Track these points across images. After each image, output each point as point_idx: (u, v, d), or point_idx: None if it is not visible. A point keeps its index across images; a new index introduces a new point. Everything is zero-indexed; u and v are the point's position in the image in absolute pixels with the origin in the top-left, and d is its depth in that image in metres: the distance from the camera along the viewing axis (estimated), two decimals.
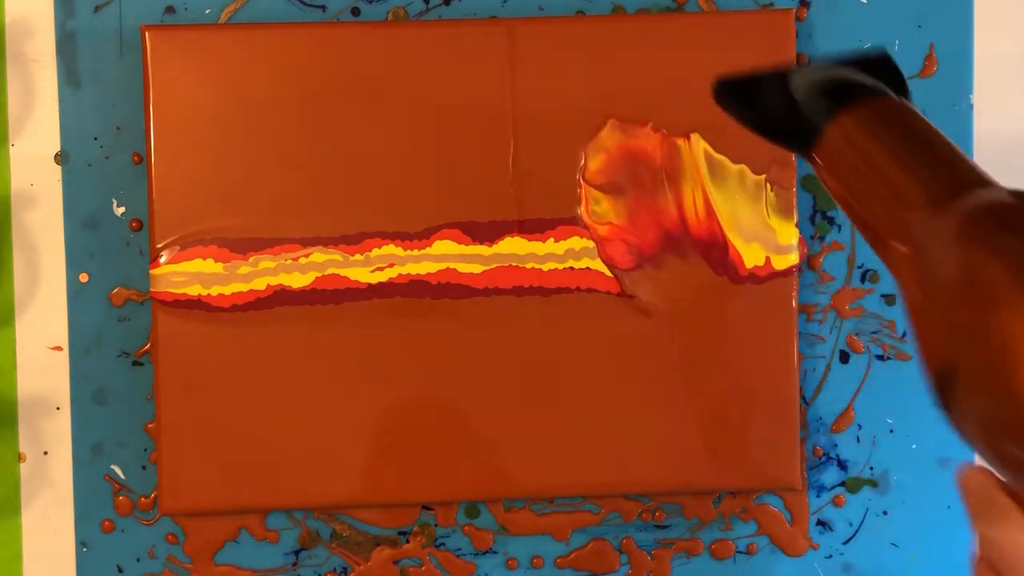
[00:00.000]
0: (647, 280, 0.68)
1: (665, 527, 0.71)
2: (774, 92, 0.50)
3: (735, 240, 0.68)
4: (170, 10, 0.68)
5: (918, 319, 0.40)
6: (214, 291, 0.66)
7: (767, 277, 0.68)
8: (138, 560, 0.69)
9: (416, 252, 0.67)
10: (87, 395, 0.69)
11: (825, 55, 0.50)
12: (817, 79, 0.49)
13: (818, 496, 0.71)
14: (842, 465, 0.71)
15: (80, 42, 0.68)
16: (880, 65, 0.49)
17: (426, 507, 0.70)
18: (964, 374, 0.38)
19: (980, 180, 0.42)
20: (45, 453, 0.69)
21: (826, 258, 0.71)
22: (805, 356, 0.71)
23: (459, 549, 0.70)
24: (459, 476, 0.68)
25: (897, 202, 0.44)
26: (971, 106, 0.71)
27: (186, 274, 0.66)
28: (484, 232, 0.67)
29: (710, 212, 0.68)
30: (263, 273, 0.67)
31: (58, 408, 0.69)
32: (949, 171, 0.43)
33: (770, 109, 0.50)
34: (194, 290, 0.66)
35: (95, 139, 0.68)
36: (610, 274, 0.68)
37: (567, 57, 0.67)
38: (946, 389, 0.39)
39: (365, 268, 0.67)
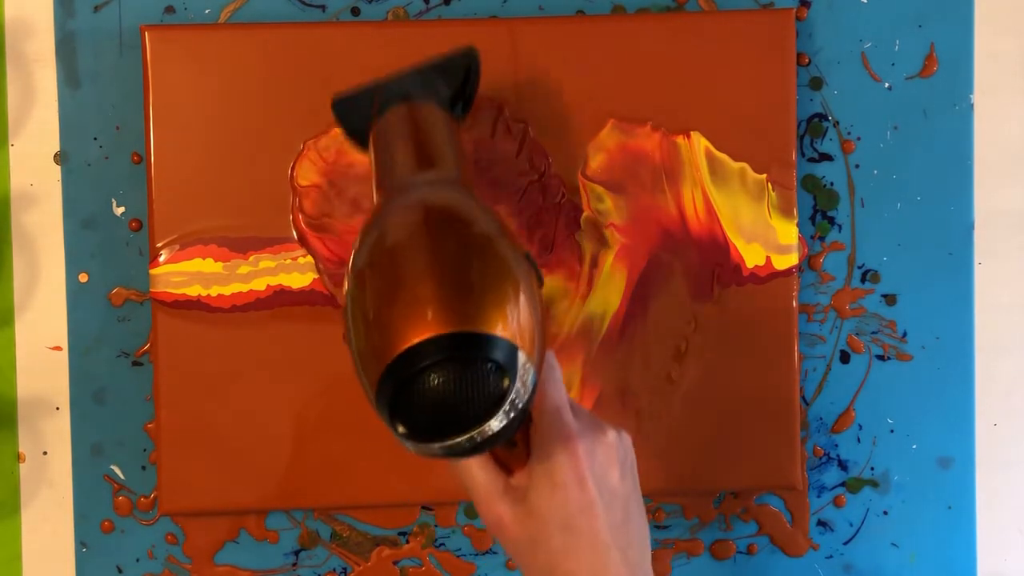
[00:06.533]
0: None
1: (665, 527, 0.71)
2: (364, 102, 0.60)
3: (736, 240, 0.68)
4: (170, 10, 0.68)
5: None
6: (214, 291, 0.66)
7: (768, 277, 0.68)
8: (138, 560, 0.69)
9: None
10: (87, 395, 0.69)
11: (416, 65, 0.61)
12: (383, 91, 0.59)
13: (818, 496, 0.71)
14: (842, 465, 0.71)
15: (80, 42, 0.68)
16: (461, 59, 0.60)
17: (426, 507, 0.70)
18: (349, 304, 0.47)
19: (431, 165, 0.54)
20: (45, 453, 0.69)
21: (826, 258, 0.71)
22: (805, 356, 0.71)
23: (459, 549, 0.70)
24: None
25: (388, 171, 0.55)
26: (971, 106, 0.71)
27: (186, 274, 0.66)
28: None
29: (711, 212, 0.68)
30: (263, 273, 0.67)
31: (57, 408, 0.69)
32: (399, 166, 0.55)
33: (357, 117, 0.60)
34: (194, 290, 0.66)
35: (95, 139, 0.68)
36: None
37: (567, 57, 0.67)
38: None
39: None
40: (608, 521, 0.49)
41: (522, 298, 0.45)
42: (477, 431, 0.44)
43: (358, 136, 0.60)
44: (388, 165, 0.55)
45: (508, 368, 0.43)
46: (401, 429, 0.44)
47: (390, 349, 0.43)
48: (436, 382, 0.43)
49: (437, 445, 0.44)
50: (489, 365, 0.43)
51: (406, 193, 0.51)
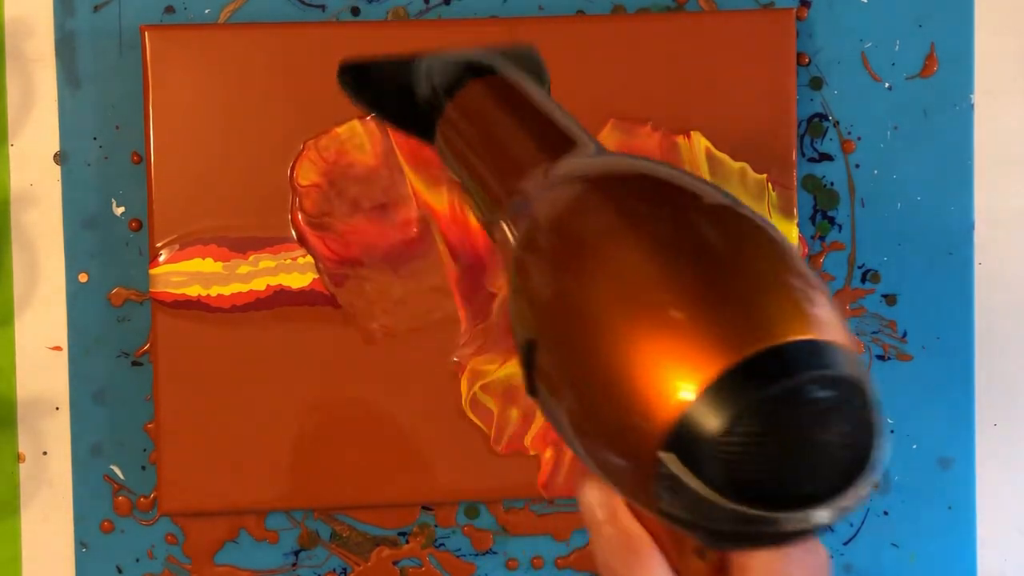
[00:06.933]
0: None
1: None
2: (401, 77, 0.47)
3: None
4: (169, 10, 0.68)
5: (509, 298, 0.37)
6: (213, 291, 0.66)
7: None
8: (137, 560, 0.69)
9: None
10: (86, 395, 0.68)
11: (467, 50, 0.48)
12: (441, 63, 0.46)
13: None
14: None
15: (80, 42, 0.68)
16: (525, 58, 0.47)
17: (426, 507, 0.70)
18: (542, 346, 0.33)
19: (567, 146, 0.40)
20: (44, 453, 0.69)
21: (827, 258, 0.70)
22: None
23: (459, 550, 0.70)
24: (459, 476, 0.68)
25: (509, 170, 0.41)
26: (971, 106, 0.71)
27: (186, 274, 0.66)
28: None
29: None
30: (263, 273, 0.67)
31: (57, 408, 0.69)
32: (547, 139, 0.41)
33: (396, 94, 0.47)
34: (193, 290, 0.66)
35: (94, 139, 0.68)
36: None
37: (567, 57, 0.67)
38: (529, 367, 0.34)
39: None
40: None
41: (826, 290, 0.32)
42: (845, 499, 0.30)
43: (389, 113, 0.49)
44: (508, 152, 0.42)
45: (869, 394, 0.30)
46: (711, 495, 0.29)
47: (671, 395, 0.29)
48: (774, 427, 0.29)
49: (778, 517, 0.29)
50: (847, 393, 0.29)
51: (574, 180, 0.37)
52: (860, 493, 0.30)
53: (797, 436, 0.29)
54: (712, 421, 0.29)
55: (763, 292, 0.30)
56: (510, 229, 0.38)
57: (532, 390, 0.35)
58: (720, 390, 0.29)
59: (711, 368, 0.29)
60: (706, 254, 0.31)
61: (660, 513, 0.30)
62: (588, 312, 0.32)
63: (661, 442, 0.29)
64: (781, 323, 0.29)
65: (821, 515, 0.30)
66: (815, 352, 0.29)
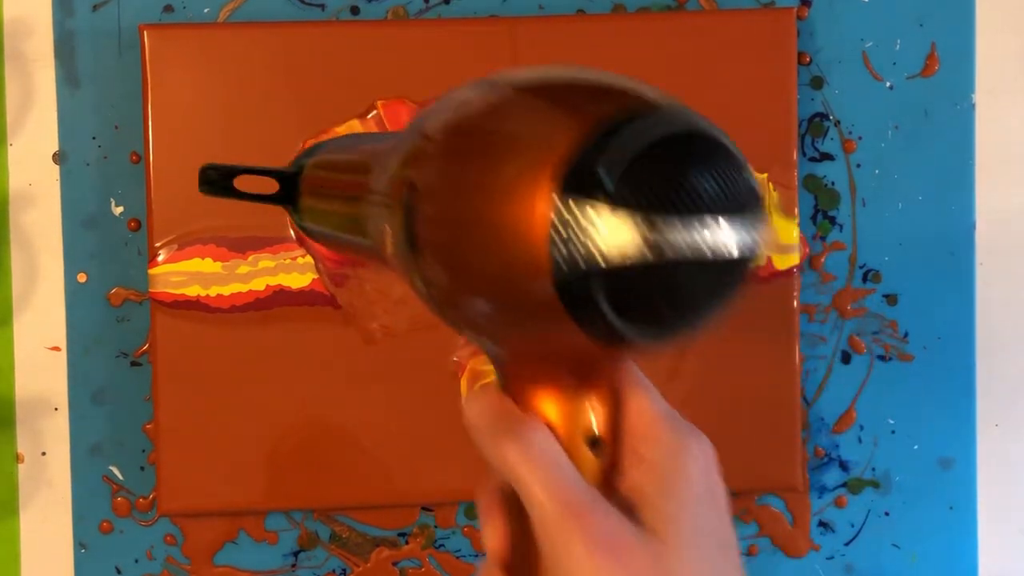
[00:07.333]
0: None
1: None
2: (263, 170, 0.53)
3: None
4: (169, 9, 0.68)
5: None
6: (213, 291, 0.66)
7: (769, 277, 0.68)
8: (136, 561, 0.69)
9: None
10: (85, 395, 0.68)
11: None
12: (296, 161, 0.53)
13: (820, 497, 0.71)
14: (844, 466, 0.71)
15: (79, 41, 0.68)
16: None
17: (425, 508, 0.70)
18: (423, 193, 0.35)
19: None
20: (43, 454, 0.69)
21: (828, 258, 0.70)
22: (806, 356, 0.70)
23: (459, 550, 0.70)
24: (459, 476, 0.67)
25: (365, 161, 0.44)
26: (973, 105, 0.71)
27: (185, 274, 0.66)
28: None
29: None
30: (262, 273, 0.66)
31: (56, 408, 0.68)
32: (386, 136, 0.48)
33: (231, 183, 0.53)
34: (193, 291, 0.66)
35: (93, 139, 0.68)
36: None
37: (567, 56, 0.67)
38: (409, 212, 0.35)
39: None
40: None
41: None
42: (745, 216, 0.32)
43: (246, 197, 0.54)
44: (361, 153, 0.47)
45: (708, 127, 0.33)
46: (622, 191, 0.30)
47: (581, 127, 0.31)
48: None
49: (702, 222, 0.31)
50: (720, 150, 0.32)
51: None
52: (756, 216, 0.32)
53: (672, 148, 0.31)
54: (594, 165, 0.31)
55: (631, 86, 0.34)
56: (379, 193, 0.40)
57: (411, 243, 0.35)
58: (600, 139, 0.31)
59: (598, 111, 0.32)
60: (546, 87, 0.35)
61: (561, 285, 0.31)
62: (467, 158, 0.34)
63: (554, 187, 0.31)
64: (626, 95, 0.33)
65: (728, 234, 0.31)
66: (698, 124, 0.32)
